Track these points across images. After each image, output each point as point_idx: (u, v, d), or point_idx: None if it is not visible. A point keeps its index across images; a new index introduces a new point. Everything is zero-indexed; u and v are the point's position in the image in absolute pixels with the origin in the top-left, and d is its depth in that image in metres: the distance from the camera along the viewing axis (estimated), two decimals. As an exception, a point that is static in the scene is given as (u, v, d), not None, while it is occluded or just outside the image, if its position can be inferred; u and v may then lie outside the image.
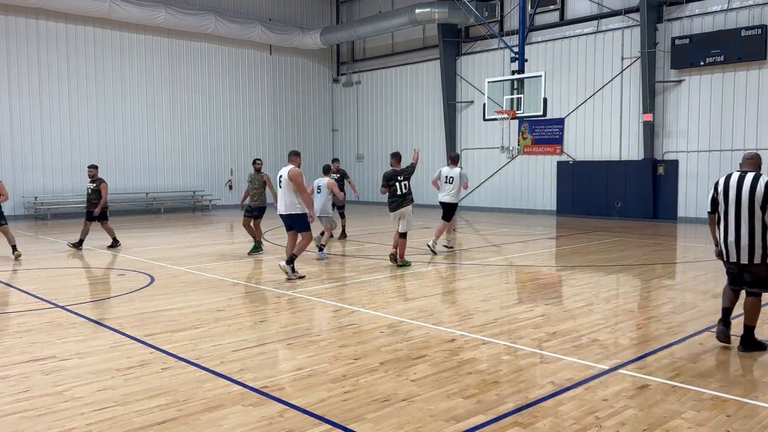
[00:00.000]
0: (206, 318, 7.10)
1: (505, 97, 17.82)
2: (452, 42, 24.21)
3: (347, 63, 29.22)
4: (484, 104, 18.63)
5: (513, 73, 18.52)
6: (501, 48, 22.39)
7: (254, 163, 12.74)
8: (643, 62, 18.68)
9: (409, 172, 10.78)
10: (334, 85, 29.71)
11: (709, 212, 5.89)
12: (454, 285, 9.44)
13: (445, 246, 12.67)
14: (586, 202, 20.61)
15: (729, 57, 17.22)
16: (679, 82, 18.54)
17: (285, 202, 9.48)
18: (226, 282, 9.38)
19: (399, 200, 10.71)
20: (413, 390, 4.76)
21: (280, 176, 9.53)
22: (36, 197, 20.87)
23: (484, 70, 23.17)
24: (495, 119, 18.16)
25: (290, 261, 9.42)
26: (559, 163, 21.36)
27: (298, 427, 4.09)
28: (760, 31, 16.66)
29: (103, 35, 22.40)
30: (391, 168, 10.82)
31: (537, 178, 22.13)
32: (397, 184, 10.69)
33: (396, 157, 10.91)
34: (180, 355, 5.66)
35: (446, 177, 12.44)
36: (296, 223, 9.56)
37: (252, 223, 12.41)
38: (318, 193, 12.19)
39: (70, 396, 4.67)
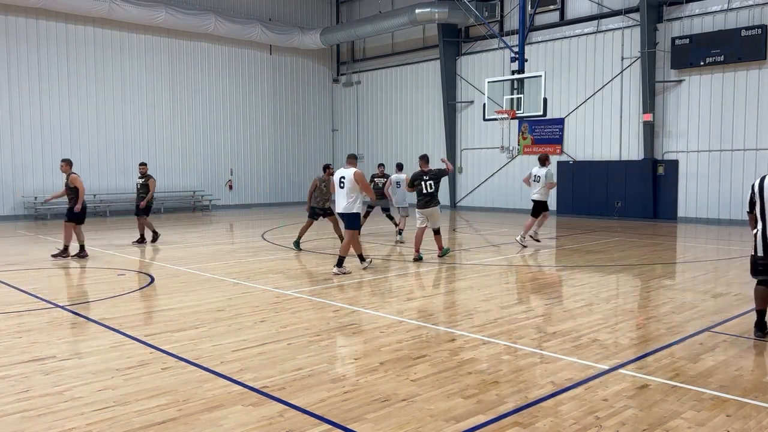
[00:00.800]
0: (206, 318, 7.10)
1: (505, 97, 17.83)
2: (452, 42, 24.21)
3: (347, 63, 29.22)
4: (484, 104, 18.64)
5: (513, 73, 18.52)
6: (501, 48, 22.40)
7: (328, 168, 12.90)
8: (643, 62, 18.68)
9: (435, 173, 11.45)
10: (334, 85, 29.72)
11: (748, 212, 6.37)
12: (454, 285, 9.44)
13: (533, 238, 13.37)
14: (586, 202, 20.61)
15: (729, 57, 17.23)
16: (679, 82, 18.54)
17: (346, 201, 10.03)
18: (226, 282, 9.38)
19: (426, 199, 11.39)
20: (413, 390, 4.76)
21: (342, 177, 10.04)
22: (36, 197, 20.86)
23: (484, 70, 23.17)
24: (495, 119, 18.17)
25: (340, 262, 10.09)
26: (559, 163, 21.35)
27: (298, 427, 4.09)
28: (760, 31, 16.66)
29: (103, 35, 22.40)
30: (420, 169, 11.54)
31: (537, 178, 22.10)
32: (423, 183, 11.33)
33: (424, 158, 11.72)
34: (180, 355, 5.65)
35: (534, 176, 13.25)
36: (349, 221, 10.13)
37: (331, 220, 12.95)
38: (398, 187, 14.13)
39: (70, 396, 4.67)
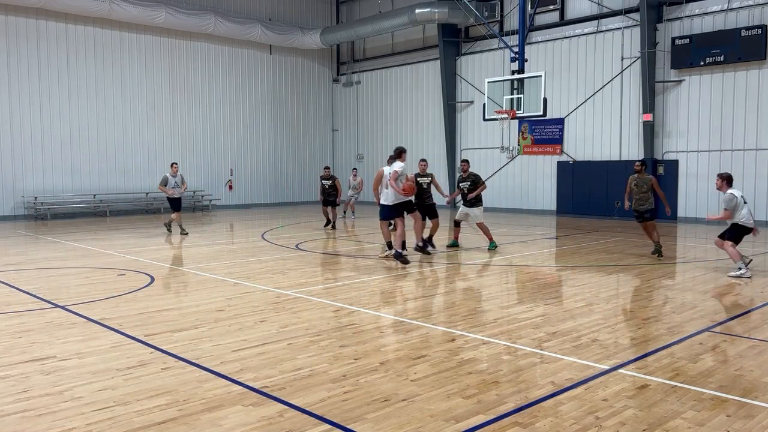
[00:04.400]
0: (206, 318, 7.10)
1: (505, 97, 17.79)
2: (452, 42, 24.21)
3: (347, 63, 29.22)
4: (484, 104, 18.61)
5: (513, 73, 18.49)
6: (501, 48, 22.40)
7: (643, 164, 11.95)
8: (643, 62, 18.68)
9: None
10: (334, 85, 29.71)
11: None
12: (454, 285, 9.44)
13: None
14: (586, 202, 20.60)
15: (729, 57, 17.22)
16: (679, 82, 18.54)
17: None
18: (226, 282, 9.38)
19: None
20: (413, 390, 4.76)
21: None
22: (36, 197, 20.87)
23: (484, 70, 23.17)
24: (495, 119, 18.13)
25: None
26: (559, 163, 21.35)
27: (298, 427, 4.09)
28: (760, 31, 16.66)
29: (103, 35, 22.40)
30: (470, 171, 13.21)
31: (537, 178, 22.13)
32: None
33: (467, 162, 13.51)
34: (180, 355, 5.65)
35: None
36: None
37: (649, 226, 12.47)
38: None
39: (70, 396, 4.67)
